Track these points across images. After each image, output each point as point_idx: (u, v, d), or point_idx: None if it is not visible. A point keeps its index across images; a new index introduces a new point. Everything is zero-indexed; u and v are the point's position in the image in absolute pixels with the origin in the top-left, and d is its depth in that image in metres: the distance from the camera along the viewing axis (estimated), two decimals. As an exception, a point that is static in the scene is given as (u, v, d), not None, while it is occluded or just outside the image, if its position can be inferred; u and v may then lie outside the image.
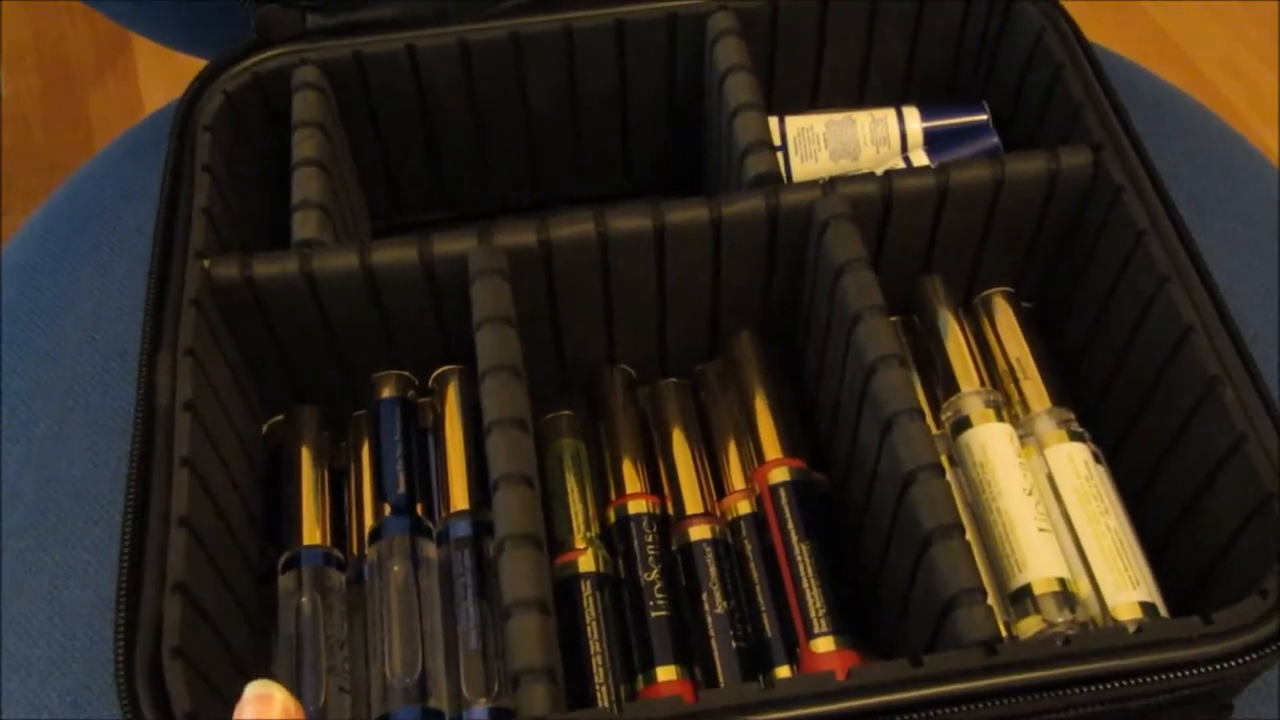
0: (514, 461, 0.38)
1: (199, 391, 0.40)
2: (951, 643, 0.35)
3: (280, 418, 0.47)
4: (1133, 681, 0.33)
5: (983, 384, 0.44)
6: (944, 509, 0.36)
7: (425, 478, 0.44)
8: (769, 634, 0.42)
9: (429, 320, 0.45)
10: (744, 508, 0.44)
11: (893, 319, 0.41)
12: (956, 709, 0.33)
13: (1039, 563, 0.39)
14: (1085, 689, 0.33)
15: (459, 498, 0.42)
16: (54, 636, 0.45)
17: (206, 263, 0.42)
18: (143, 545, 0.36)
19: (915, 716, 0.33)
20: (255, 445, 0.46)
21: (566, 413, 0.47)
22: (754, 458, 0.45)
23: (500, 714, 0.38)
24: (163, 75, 1.26)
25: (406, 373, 0.46)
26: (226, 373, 0.43)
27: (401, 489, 0.43)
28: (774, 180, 0.45)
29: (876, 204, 0.44)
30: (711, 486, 0.46)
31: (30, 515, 0.48)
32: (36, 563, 0.47)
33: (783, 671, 0.41)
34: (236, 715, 0.30)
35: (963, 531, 0.36)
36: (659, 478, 0.46)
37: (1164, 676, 0.33)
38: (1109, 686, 0.33)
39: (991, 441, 0.42)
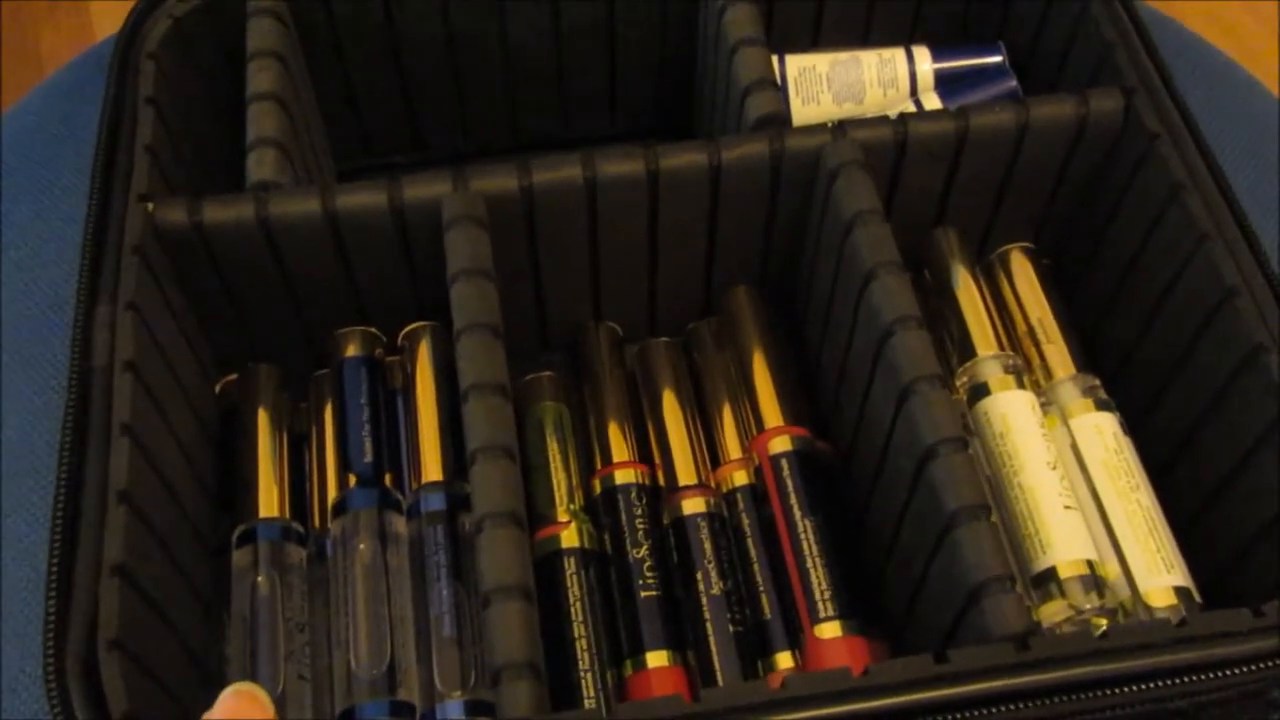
0: (493, 431, 0.34)
1: (142, 350, 0.36)
2: (976, 635, 0.32)
3: (234, 377, 0.43)
4: (1177, 680, 0.30)
5: (1001, 348, 0.40)
6: (969, 487, 0.33)
7: (394, 445, 0.40)
8: (768, 617, 0.38)
9: (399, 272, 0.41)
10: (741, 479, 0.41)
11: (905, 276, 0.37)
12: (985, 710, 0.30)
13: (1065, 544, 0.36)
14: (1126, 689, 0.30)
15: (431, 468, 0.39)
16: (-16, 615, 0.41)
17: (150, 206, 0.38)
18: (77, 524, 0.32)
19: (940, 718, 0.30)
20: (207, 407, 0.42)
21: (548, 374, 0.44)
22: (752, 425, 0.42)
23: (477, 708, 0.34)
24: (119, 10, 1.20)
25: (373, 329, 0.42)
26: (173, 328, 0.39)
27: (368, 457, 0.39)
28: (778, 123, 0.41)
29: (890, 150, 0.40)
30: (706, 456, 0.42)
31: (-40, 479, 0.44)
32: (-34, 532, 0.43)
33: (784, 658, 0.38)
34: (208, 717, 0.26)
35: (989, 512, 0.33)
36: (649, 445, 0.42)
37: (1212, 675, 0.30)
38: (1151, 686, 0.30)
39: (1011, 410, 0.38)
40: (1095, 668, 0.30)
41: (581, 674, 0.37)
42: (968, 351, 0.40)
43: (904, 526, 0.36)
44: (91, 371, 0.35)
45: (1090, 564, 0.35)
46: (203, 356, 0.42)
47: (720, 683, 0.37)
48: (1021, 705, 0.30)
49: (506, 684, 0.30)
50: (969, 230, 0.44)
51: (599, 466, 0.42)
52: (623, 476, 0.41)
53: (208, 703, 0.30)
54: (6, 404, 0.46)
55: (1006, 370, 0.40)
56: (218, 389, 0.43)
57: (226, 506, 0.40)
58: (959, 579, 0.32)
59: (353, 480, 0.39)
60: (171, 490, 0.36)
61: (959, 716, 0.30)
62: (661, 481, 0.41)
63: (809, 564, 0.38)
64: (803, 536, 0.38)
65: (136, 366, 0.35)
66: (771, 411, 0.41)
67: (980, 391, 0.39)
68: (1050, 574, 0.35)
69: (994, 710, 0.30)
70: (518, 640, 0.31)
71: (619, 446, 0.42)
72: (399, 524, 0.38)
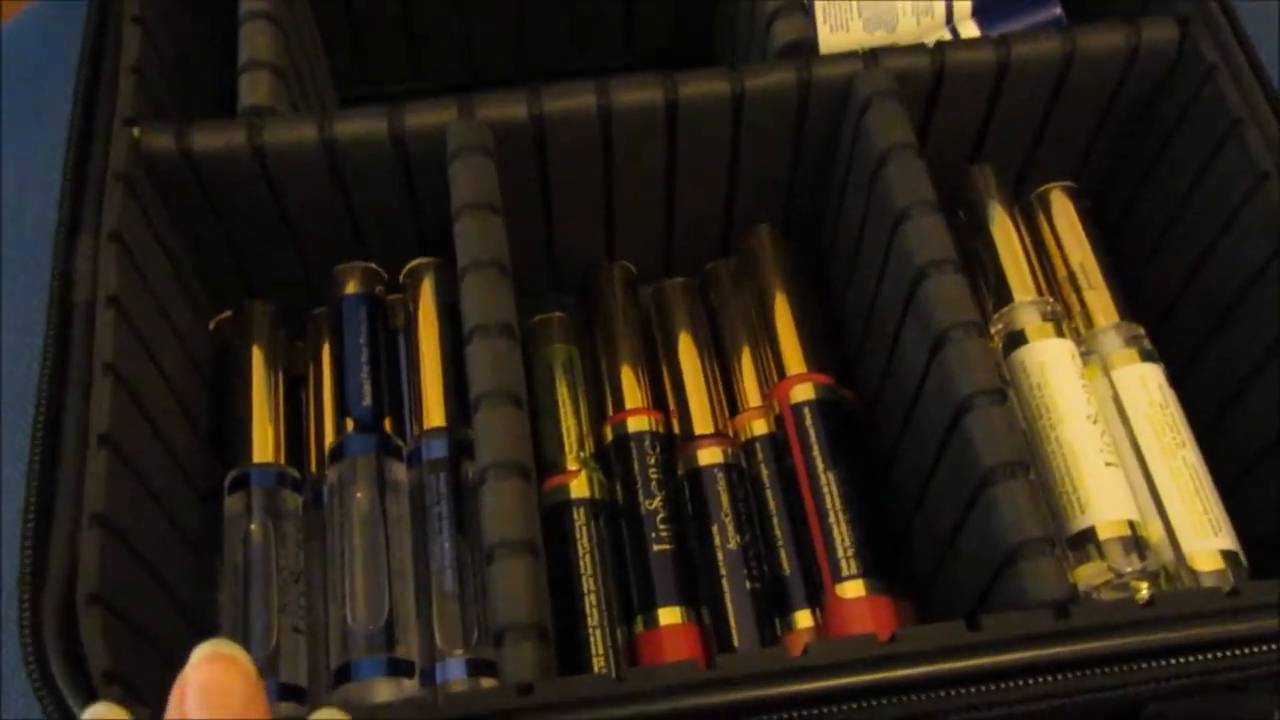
0: (499, 376, 0.32)
1: (126, 283, 0.34)
2: (1012, 600, 0.30)
3: (228, 314, 0.41)
4: (1227, 653, 0.28)
5: (1040, 293, 0.38)
6: (1007, 442, 0.31)
7: (395, 388, 0.38)
8: (787, 573, 0.36)
9: (401, 205, 0.38)
10: (760, 428, 0.39)
11: (941, 216, 0.35)
12: (1021, 682, 0.28)
13: (1105, 502, 0.34)
14: (1171, 661, 0.28)
15: (434, 412, 0.37)
16: (-32, 561, 0.39)
17: (136, 131, 0.36)
18: (55, 469, 0.30)
19: (973, 689, 0.28)
20: (199, 345, 0.40)
21: (558, 314, 0.42)
22: (773, 371, 0.39)
23: (479, 667, 0.32)
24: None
25: (374, 265, 0.40)
26: (163, 262, 0.37)
27: (366, 400, 0.37)
28: (807, 50, 0.38)
29: (926, 80, 0.38)
30: (724, 403, 0.40)
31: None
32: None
33: (803, 617, 0.36)
34: (178, 688, 0.23)
35: (1028, 470, 0.30)
36: (663, 391, 0.40)
37: (1265, 647, 0.28)
38: (1199, 658, 0.28)
39: (1050, 360, 0.36)
40: (1140, 638, 0.28)
41: (590, 630, 0.35)
42: (1004, 297, 0.38)
43: (934, 482, 0.34)
44: (72, 307, 0.33)
45: (1132, 524, 0.33)
46: (194, 293, 0.40)
47: (736, 642, 0.35)
48: (1060, 676, 0.28)
49: (511, 645, 0.28)
50: (1007, 168, 0.41)
51: (611, 413, 0.40)
52: (636, 424, 0.39)
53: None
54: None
55: (1045, 317, 0.37)
56: (211, 327, 0.41)
57: (219, 451, 0.38)
58: (994, 540, 0.30)
59: (351, 424, 0.37)
60: (159, 433, 0.34)
61: (993, 687, 0.28)
62: (676, 430, 0.39)
63: (831, 519, 0.36)
64: (825, 490, 0.36)
65: (121, 301, 0.33)
66: (794, 357, 0.39)
67: (1016, 339, 0.37)
68: (1089, 534, 0.33)
69: (1031, 681, 0.28)
70: (523, 600, 0.29)
71: (632, 392, 0.40)
72: (399, 471, 0.36)
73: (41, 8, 0.54)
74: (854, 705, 0.27)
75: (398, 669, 0.33)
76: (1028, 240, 0.40)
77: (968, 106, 0.39)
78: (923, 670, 0.28)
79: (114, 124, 0.36)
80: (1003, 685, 0.28)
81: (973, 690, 0.28)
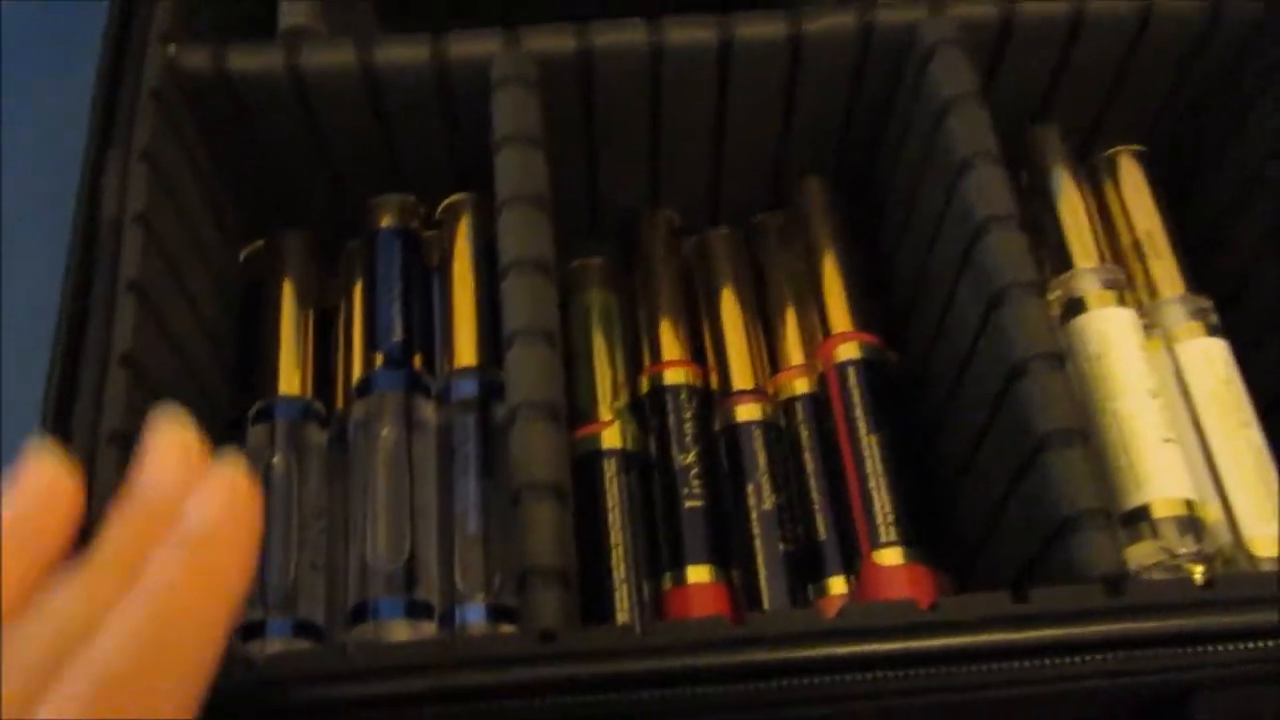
0: (534, 313, 0.31)
1: (156, 203, 0.33)
2: (1062, 574, 0.28)
3: (260, 244, 0.40)
4: (1287, 640, 0.27)
5: (1103, 260, 0.36)
6: (1064, 409, 0.29)
7: (427, 325, 0.37)
8: (822, 537, 0.35)
9: (440, 137, 0.37)
10: (801, 387, 0.37)
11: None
12: (1068, 659, 0.26)
13: (1162, 480, 0.32)
14: (1226, 646, 0.26)
15: (465, 351, 0.35)
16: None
17: (172, 48, 0.35)
18: (73, 389, 0.29)
19: (1016, 664, 0.26)
20: (229, 274, 0.39)
21: (597, 260, 0.40)
22: (818, 329, 0.38)
23: (499, 613, 0.31)
24: None
25: (411, 198, 0.39)
26: (194, 186, 0.36)
27: (397, 336, 0.36)
28: (870, -7, 0.37)
29: (993, 31, 0.36)
30: (765, 359, 0.39)
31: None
32: (-26, 393, 0.41)
33: (837, 583, 0.34)
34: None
35: (1086, 439, 0.29)
36: (703, 344, 0.39)
37: (1330, 636, 0.27)
38: (1255, 645, 0.27)
39: (1110, 330, 0.34)
40: (1196, 620, 0.26)
41: (616, 584, 0.34)
42: (1064, 262, 0.36)
43: (983, 449, 0.33)
44: (98, 223, 0.32)
45: (1189, 504, 0.32)
46: (226, 220, 0.39)
47: (766, 605, 0.34)
48: (1108, 655, 0.26)
49: (533, 590, 0.27)
50: (1072, 129, 0.39)
51: (647, 364, 0.38)
52: (673, 376, 0.38)
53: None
54: (19, 265, 0.43)
55: (1106, 285, 0.35)
56: (242, 257, 0.40)
57: (245, 382, 0.37)
58: (1046, 510, 0.29)
59: (380, 360, 0.36)
60: (183, 358, 0.33)
61: (1039, 664, 0.26)
62: (714, 385, 0.38)
63: (872, 483, 0.34)
64: (866, 453, 0.35)
65: (149, 220, 0.32)
66: (840, 315, 0.38)
67: (1076, 307, 0.35)
68: (1143, 512, 0.32)
69: (1078, 659, 0.26)
70: (548, 543, 0.28)
71: (670, 343, 0.38)
72: (427, 410, 0.35)
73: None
74: (890, 673, 0.26)
75: (416, 610, 0.32)
76: (1092, 204, 0.38)
77: (1035, 61, 0.37)
78: (965, 640, 0.26)
79: (150, 41, 0.35)
80: (1048, 661, 0.26)
81: (1015, 665, 0.26)
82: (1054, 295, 0.36)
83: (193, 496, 0.21)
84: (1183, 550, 0.31)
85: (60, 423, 0.29)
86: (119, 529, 0.21)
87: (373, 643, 0.31)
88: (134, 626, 0.19)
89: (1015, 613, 0.26)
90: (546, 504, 0.28)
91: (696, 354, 0.39)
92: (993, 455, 0.32)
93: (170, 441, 0.22)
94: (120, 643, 0.18)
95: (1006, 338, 0.30)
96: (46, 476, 0.21)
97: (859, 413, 0.36)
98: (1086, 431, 0.29)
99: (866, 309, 0.38)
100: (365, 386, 0.35)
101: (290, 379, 0.36)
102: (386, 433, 0.34)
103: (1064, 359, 0.30)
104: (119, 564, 0.20)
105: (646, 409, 0.38)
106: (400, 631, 0.31)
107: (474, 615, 0.31)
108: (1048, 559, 0.29)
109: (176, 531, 0.20)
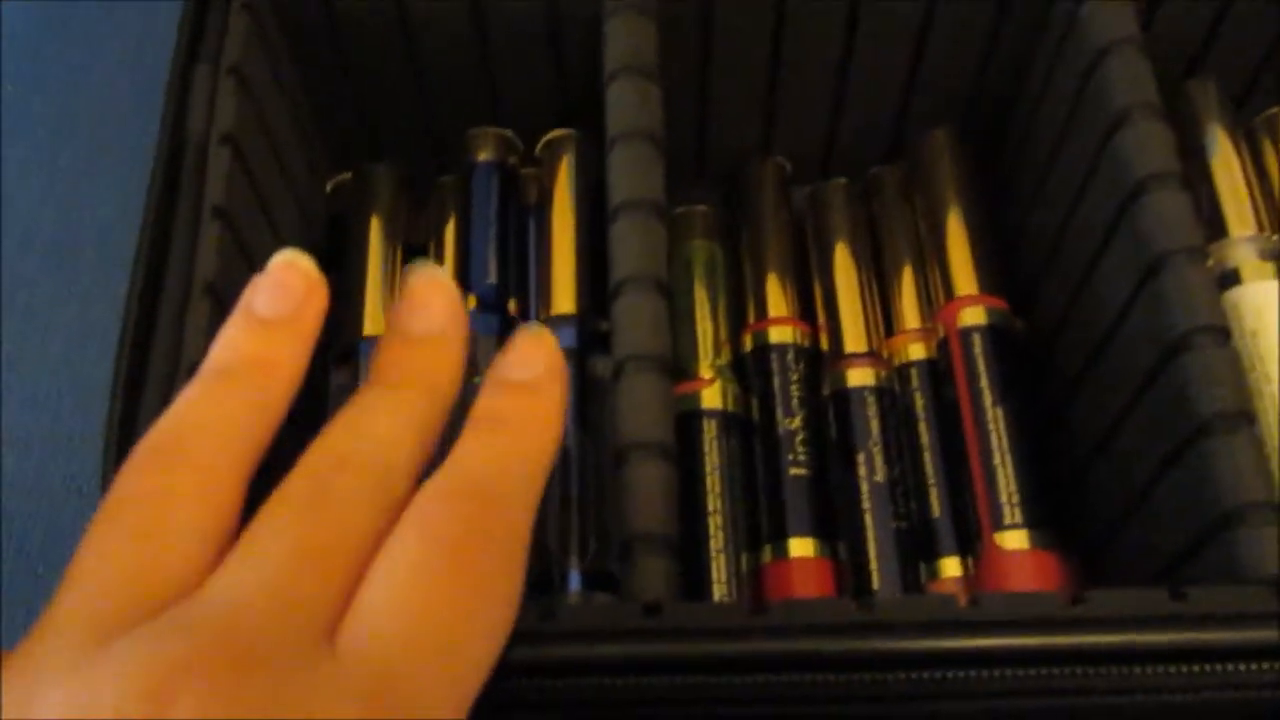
0: (646, 259, 0.28)
1: (244, 124, 0.31)
2: (1217, 572, 0.26)
3: (348, 176, 0.38)
4: None
5: (1260, 228, 0.33)
6: (1232, 389, 0.26)
7: (523, 268, 0.35)
8: (937, 515, 0.33)
9: (545, 67, 0.35)
10: (918, 352, 0.35)
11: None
12: (1229, 666, 0.24)
13: (1324, 472, 0.29)
14: None
15: (563, 298, 0.33)
16: (61, 412, 0.37)
17: (267, -42, 0.33)
18: (154, 319, 0.28)
19: (1167, 667, 0.24)
20: (315, 205, 0.37)
21: (703, 208, 0.38)
22: (940, 291, 0.35)
23: (596, 580, 0.29)
24: None
25: (510, 133, 0.36)
26: (283, 108, 0.34)
27: (492, 278, 0.34)
28: (1020, -75, 0.34)
29: (1153, -27, 0.33)
30: (880, 321, 0.36)
31: (46, 263, 0.41)
32: (48, 322, 0.39)
33: (951, 565, 0.32)
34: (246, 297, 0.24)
35: (1253, 422, 0.26)
36: (812, 302, 0.36)
37: None
38: None
39: (1268, 305, 0.31)
40: (1379, 631, 0.24)
41: (713, 555, 0.32)
42: (1218, 230, 0.33)
43: (1126, 428, 0.30)
44: (186, 143, 0.30)
45: (1354, 500, 0.29)
46: (314, 147, 0.37)
47: (875, 584, 0.32)
48: (1270, 665, 0.24)
49: (640, 558, 0.25)
50: (1232, 84, 0.36)
51: (752, 320, 0.36)
52: (779, 334, 0.35)
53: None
54: (100, 181, 0.41)
55: (1264, 256, 0.32)
56: (328, 188, 0.38)
57: (327, 320, 0.35)
58: (1205, 500, 0.26)
59: (472, 302, 0.33)
60: (267, 291, 0.31)
61: (1196, 669, 0.24)
62: (824, 346, 0.36)
63: (996, 460, 0.32)
64: (991, 426, 0.32)
65: (237, 141, 0.30)
66: (965, 277, 0.35)
67: (1230, 279, 0.32)
68: (1301, 506, 0.29)
69: (1240, 667, 0.24)
70: (657, 508, 0.26)
71: (777, 300, 0.36)
72: (520, 359, 0.33)
73: None
74: (1028, 671, 0.24)
75: (504, 573, 0.30)
76: (1250, 168, 0.35)
77: (1195, 8, 0.34)
78: (1112, 640, 0.24)
79: (244, -50, 0.33)
80: (1206, 667, 0.24)
81: (1166, 670, 0.24)
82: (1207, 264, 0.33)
83: (510, 349, 0.23)
84: (1345, 551, 0.28)
85: (138, 353, 0.27)
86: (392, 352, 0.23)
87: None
88: (491, 451, 0.21)
89: (1172, 611, 0.24)
90: (655, 465, 0.26)
91: (805, 312, 0.36)
92: (1139, 436, 0.29)
93: (434, 281, 0.24)
94: (485, 456, 0.21)
95: (1165, 308, 0.28)
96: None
97: (984, 382, 0.33)
98: (1254, 416, 0.26)
99: (994, 271, 0.35)
100: (456, 330, 0.33)
101: (376, 319, 0.34)
102: (477, 381, 0.32)
103: (1229, 334, 0.27)
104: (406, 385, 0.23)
105: (750, 368, 0.35)
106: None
107: (570, 582, 0.29)
108: (1202, 554, 0.26)
109: (509, 380, 0.23)
